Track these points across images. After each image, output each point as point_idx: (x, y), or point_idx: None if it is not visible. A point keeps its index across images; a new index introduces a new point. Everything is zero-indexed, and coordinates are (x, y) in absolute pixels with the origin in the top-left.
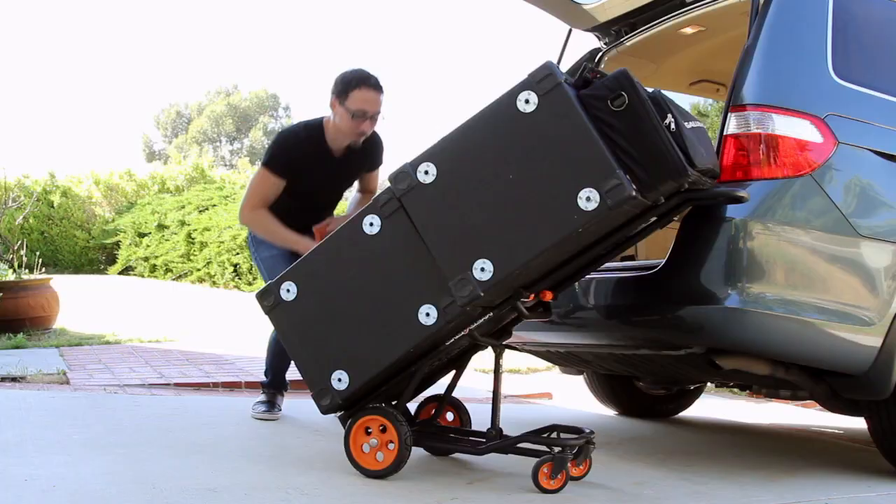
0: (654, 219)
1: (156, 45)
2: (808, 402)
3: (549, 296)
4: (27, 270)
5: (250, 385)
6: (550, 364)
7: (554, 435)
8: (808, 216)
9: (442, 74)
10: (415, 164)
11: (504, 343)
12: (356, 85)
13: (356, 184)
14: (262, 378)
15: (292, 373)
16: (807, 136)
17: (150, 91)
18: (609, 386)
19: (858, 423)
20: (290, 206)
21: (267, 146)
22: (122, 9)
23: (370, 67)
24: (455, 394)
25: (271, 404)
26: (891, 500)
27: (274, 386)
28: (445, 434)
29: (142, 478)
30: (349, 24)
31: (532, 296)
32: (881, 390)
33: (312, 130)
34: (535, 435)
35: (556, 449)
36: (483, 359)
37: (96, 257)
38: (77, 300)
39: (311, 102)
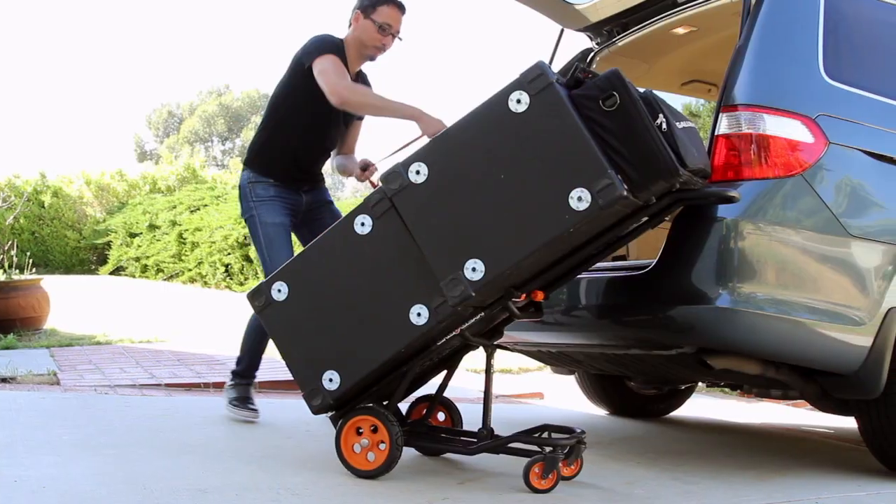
0: (645, 219)
1: (148, 44)
2: (798, 401)
3: (540, 296)
4: (18, 271)
5: None
6: (542, 364)
7: (545, 435)
8: (798, 216)
9: (435, 75)
10: (406, 164)
11: (495, 343)
12: (384, 1)
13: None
14: (234, 366)
15: (283, 372)
16: (798, 137)
17: (142, 91)
18: (600, 386)
19: (849, 423)
20: (301, 136)
21: (305, 49)
22: (115, 8)
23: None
24: (446, 394)
25: (245, 400)
26: (881, 499)
27: (247, 375)
28: (437, 434)
29: (132, 478)
30: (341, 23)
31: (523, 296)
32: (871, 390)
33: (339, 40)
34: (526, 435)
35: (548, 449)
36: (474, 359)
37: (87, 257)
38: (68, 301)
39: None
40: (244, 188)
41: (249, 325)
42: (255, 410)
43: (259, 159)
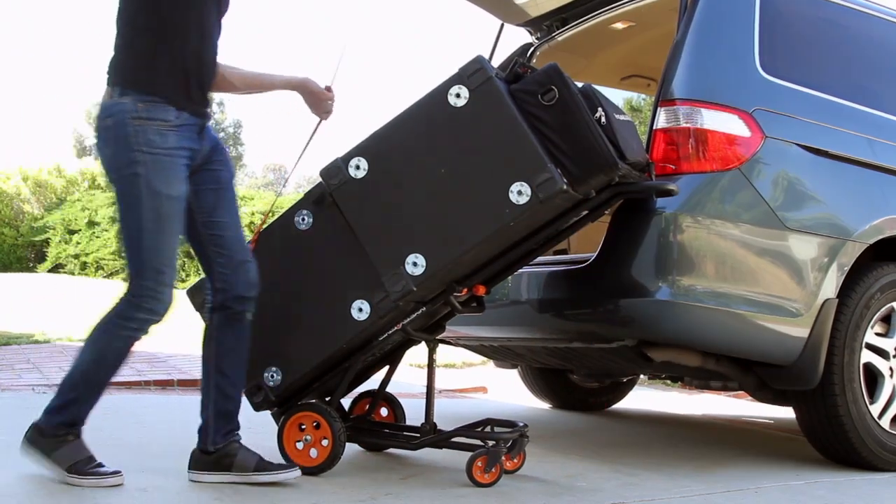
0: (585, 212)
1: (87, 37)
2: (738, 392)
3: (482, 290)
4: None
5: (183, 383)
6: (485, 358)
7: (488, 429)
8: (736, 209)
9: (373, 70)
10: (346, 159)
11: (437, 338)
12: None
13: None
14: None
15: None
16: (735, 131)
17: (82, 85)
18: (543, 379)
19: (787, 413)
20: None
21: None
22: (53, 1)
23: (302, 61)
24: (389, 389)
25: (92, 460)
26: (818, 487)
27: (80, 422)
28: (379, 429)
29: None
30: (280, 16)
31: (465, 290)
32: (809, 380)
33: None
34: (469, 429)
35: (490, 443)
36: (417, 354)
37: (25, 255)
38: (5, 299)
39: (244, 96)
40: (125, 124)
41: (98, 352)
42: (117, 473)
43: (147, 74)
